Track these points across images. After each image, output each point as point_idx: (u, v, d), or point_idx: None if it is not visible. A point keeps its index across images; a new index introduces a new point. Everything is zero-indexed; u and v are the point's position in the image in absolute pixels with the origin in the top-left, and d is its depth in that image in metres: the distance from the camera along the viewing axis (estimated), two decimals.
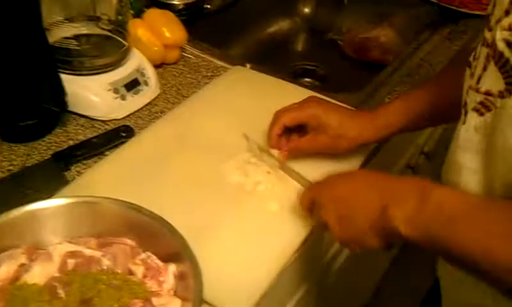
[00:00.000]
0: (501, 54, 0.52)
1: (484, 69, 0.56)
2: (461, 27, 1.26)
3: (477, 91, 0.57)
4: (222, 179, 0.77)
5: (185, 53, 1.07)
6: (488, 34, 0.56)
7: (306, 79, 1.33)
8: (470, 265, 0.51)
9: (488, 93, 0.55)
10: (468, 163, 0.60)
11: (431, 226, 0.53)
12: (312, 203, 0.68)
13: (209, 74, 1.03)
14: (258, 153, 0.80)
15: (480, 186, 0.59)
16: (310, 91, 0.98)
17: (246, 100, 0.94)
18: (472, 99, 0.58)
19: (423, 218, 0.54)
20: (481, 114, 0.57)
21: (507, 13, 0.51)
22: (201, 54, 1.08)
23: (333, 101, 0.90)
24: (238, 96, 0.95)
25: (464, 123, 0.60)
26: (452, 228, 0.52)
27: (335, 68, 1.33)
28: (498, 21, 0.53)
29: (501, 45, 0.52)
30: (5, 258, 0.60)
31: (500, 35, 0.52)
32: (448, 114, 0.79)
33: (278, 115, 0.80)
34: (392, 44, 1.27)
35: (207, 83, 1.00)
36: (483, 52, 0.57)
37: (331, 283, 1.04)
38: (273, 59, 1.27)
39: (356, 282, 1.33)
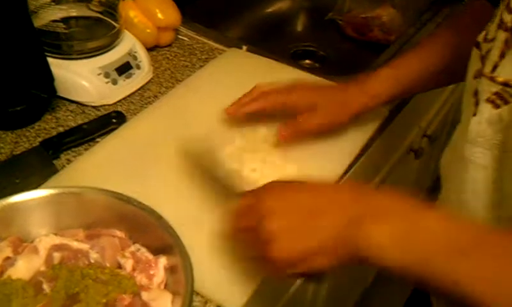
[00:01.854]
0: None
1: (502, 56, 0.51)
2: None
3: (493, 80, 0.52)
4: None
5: (179, 35, 1.04)
6: (507, 17, 0.51)
7: (306, 61, 1.30)
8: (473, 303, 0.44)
9: (506, 84, 0.50)
10: (477, 158, 0.55)
11: (427, 254, 0.45)
12: (249, 213, 0.54)
13: (204, 57, 1.00)
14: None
15: (489, 183, 0.54)
16: (308, 74, 0.96)
17: (242, 83, 0.90)
18: (486, 89, 0.53)
19: (414, 243, 0.46)
20: (497, 106, 0.52)
21: None
22: (196, 36, 1.05)
23: (332, 83, 0.88)
24: (234, 80, 0.91)
25: (475, 115, 0.54)
26: (458, 261, 0.44)
27: (336, 49, 1.30)
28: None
29: None
30: None
31: None
32: (440, 78, 0.77)
33: (264, 94, 0.77)
34: (394, 24, 1.24)
35: (201, 66, 0.97)
36: (500, 36, 0.51)
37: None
38: (272, 41, 1.24)
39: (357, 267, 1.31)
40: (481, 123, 0.54)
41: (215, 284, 0.61)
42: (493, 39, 0.53)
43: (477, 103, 0.54)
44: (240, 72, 0.94)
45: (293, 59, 1.27)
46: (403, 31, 1.17)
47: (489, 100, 0.52)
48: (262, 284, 0.62)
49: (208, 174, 0.68)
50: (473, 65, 0.57)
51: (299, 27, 1.38)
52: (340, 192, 0.52)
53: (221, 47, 1.03)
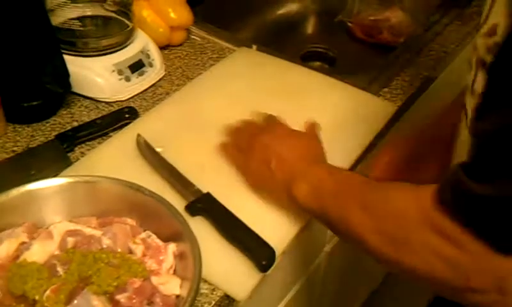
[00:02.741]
0: (482, 61, 0.50)
1: (476, 72, 0.52)
2: (473, 8, 1.23)
3: (472, 93, 0.53)
4: (225, 162, 0.77)
5: (191, 35, 1.06)
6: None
7: (316, 63, 1.31)
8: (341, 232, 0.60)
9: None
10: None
11: (320, 200, 0.62)
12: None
13: (215, 56, 1.02)
14: None
15: None
16: (316, 73, 0.97)
17: (252, 81, 0.93)
18: (468, 101, 0.55)
19: (315, 193, 0.63)
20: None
21: (486, 19, 0.50)
22: (207, 36, 1.07)
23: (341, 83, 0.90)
24: (243, 78, 0.93)
25: (467, 126, 0.57)
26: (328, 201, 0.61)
27: (345, 51, 1.31)
28: (480, 26, 0.51)
29: (481, 52, 0.50)
30: (6, 236, 0.60)
31: (479, 41, 0.50)
32: None
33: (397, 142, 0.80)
34: (403, 26, 1.25)
35: (212, 65, 0.99)
36: (474, 54, 0.54)
37: (337, 266, 1.03)
38: (282, 42, 1.26)
39: (365, 266, 1.32)
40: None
41: (223, 273, 0.63)
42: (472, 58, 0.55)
43: (466, 115, 0.56)
44: (250, 70, 0.96)
45: (303, 60, 1.29)
46: (411, 32, 1.19)
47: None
48: (267, 276, 0.64)
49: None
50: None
51: (309, 29, 1.40)
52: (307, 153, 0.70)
53: (231, 46, 1.05)
